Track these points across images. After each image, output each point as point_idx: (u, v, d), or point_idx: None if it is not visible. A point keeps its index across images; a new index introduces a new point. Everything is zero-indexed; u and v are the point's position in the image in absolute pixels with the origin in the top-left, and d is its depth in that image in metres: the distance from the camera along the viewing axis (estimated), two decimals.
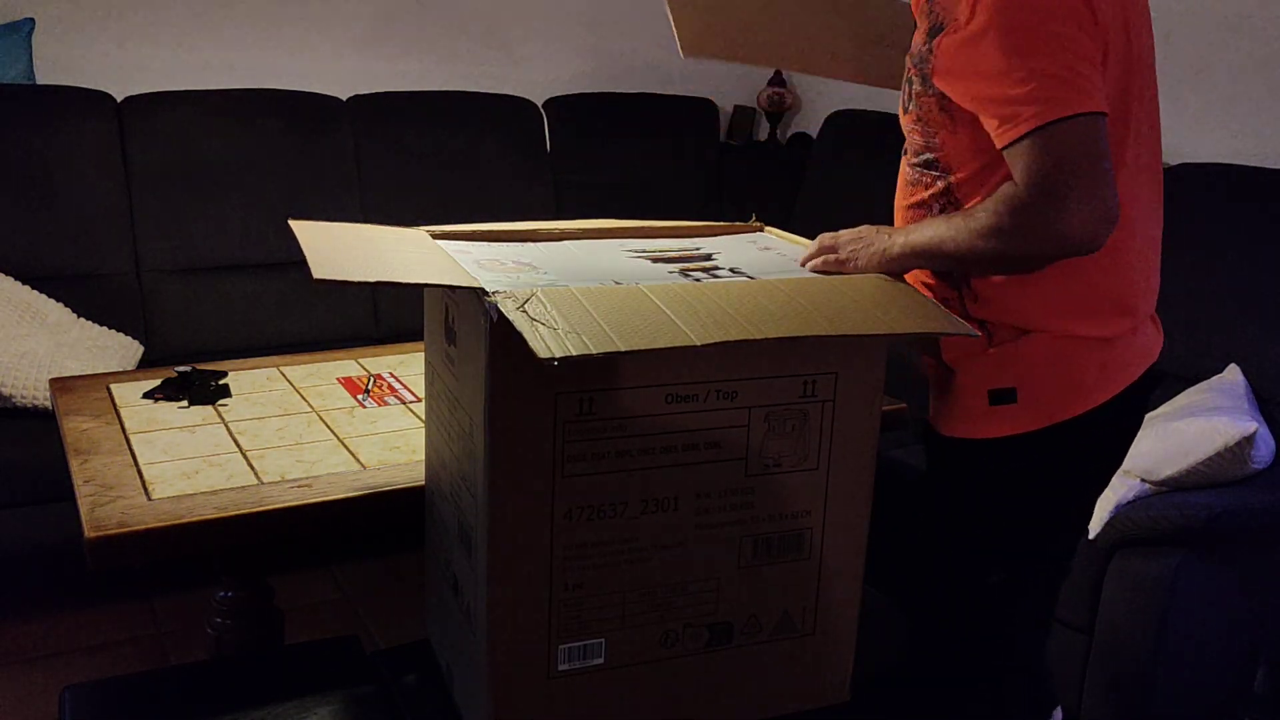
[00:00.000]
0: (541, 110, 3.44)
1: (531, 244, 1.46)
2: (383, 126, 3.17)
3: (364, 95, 3.20)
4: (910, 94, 1.35)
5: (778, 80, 3.86)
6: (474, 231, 1.48)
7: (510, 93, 3.42)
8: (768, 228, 1.66)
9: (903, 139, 1.43)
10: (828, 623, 1.38)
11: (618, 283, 1.24)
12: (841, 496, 1.34)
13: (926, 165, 1.35)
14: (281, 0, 3.22)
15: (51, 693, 1.50)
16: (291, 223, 1.35)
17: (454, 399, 1.29)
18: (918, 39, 1.32)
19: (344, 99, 3.16)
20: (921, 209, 1.37)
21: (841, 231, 1.39)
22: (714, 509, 1.28)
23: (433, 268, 1.28)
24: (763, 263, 1.43)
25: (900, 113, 1.40)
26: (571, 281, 1.24)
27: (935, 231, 1.28)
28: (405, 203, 3.13)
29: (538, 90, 3.50)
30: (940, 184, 1.34)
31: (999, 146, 1.20)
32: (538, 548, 1.22)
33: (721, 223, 1.66)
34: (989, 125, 1.21)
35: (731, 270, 1.37)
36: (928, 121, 1.32)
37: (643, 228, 1.58)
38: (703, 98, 3.75)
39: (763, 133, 3.97)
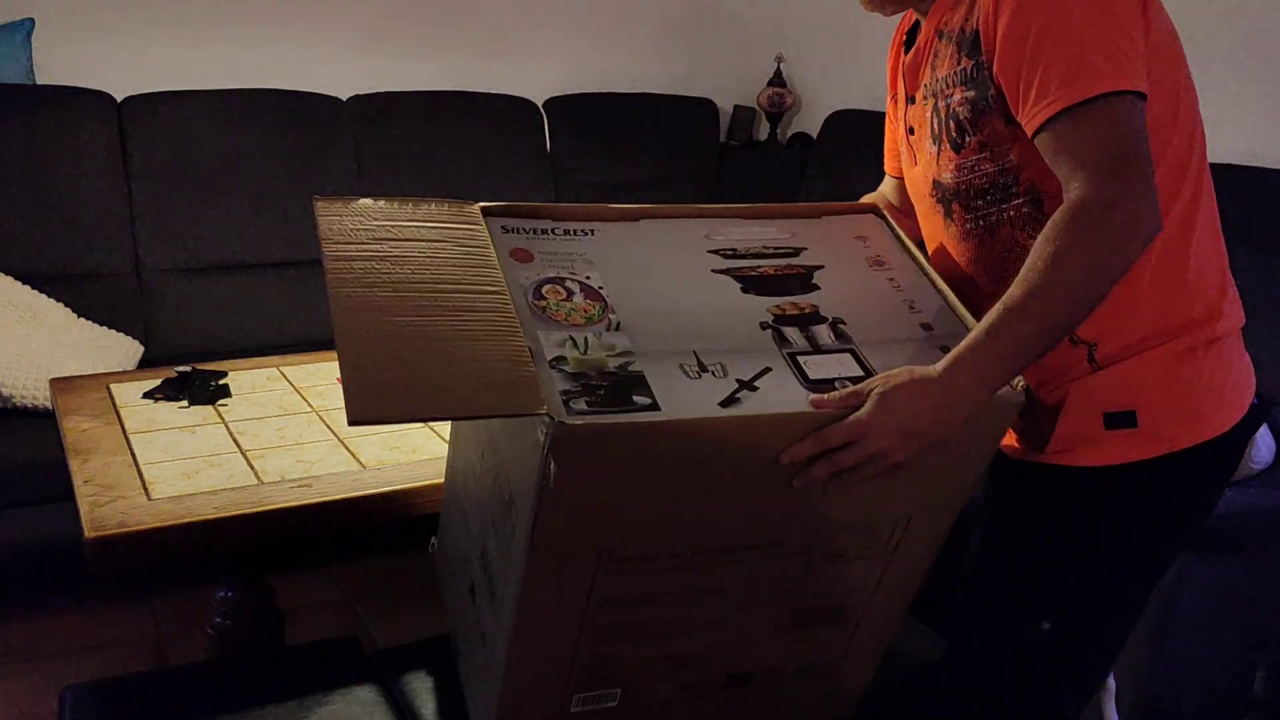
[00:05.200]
0: (541, 110, 3.44)
1: (600, 237, 1.24)
2: (383, 126, 3.17)
3: (364, 95, 3.20)
4: (949, 138, 1.26)
5: (778, 80, 3.86)
6: (535, 209, 1.25)
7: (510, 93, 3.42)
8: (877, 215, 1.40)
9: None
10: (852, 665, 1.34)
11: (702, 363, 1.10)
12: (897, 578, 1.25)
13: (1005, 196, 1.24)
14: (281, 0, 3.22)
15: (51, 693, 1.50)
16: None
17: (493, 446, 1.19)
18: (946, 67, 1.24)
19: (344, 99, 3.16)
20: (1029, 234, 1.23)
21: (859, 415, 1.07)
22: (761, 592, 1.20)
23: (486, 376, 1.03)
24: (871, 308, 1.24)
25: (935, 167, 1.29)
26: (648, 360, 1.09)
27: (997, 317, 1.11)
28: None
29: (538, 90, 3.50)
30: (1023, 200, 1.23)
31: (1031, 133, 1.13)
32: (569, 622, 1.14)
33: (829, 203, 1.40)
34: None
35: (833, 327, 1.20)
36: (996, 143, 1.22)
37: (739, 208, 1.34)
38: (703, 98, 3.74)
39: (763, 133, 3.96)
